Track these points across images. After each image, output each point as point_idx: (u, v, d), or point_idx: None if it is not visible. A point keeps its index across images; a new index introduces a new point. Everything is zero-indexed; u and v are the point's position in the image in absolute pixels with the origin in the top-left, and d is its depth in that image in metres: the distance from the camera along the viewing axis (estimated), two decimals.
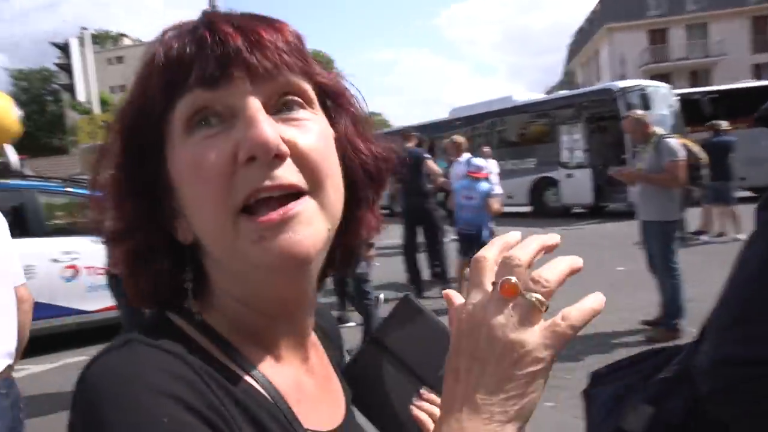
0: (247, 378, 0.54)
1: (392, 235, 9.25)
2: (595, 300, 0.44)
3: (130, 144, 0.56)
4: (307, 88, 0.56)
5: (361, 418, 0.69)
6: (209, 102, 0.52)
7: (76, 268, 5.86)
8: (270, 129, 0.50)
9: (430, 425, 0.65)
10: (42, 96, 64.00)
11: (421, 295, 7.24)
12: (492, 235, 6.72)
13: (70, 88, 11.67)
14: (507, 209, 11.20)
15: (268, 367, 0.57)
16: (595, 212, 14.63)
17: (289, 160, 0.51)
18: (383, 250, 11.31)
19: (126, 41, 64.05)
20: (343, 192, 0.58)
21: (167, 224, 0.56)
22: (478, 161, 6.78)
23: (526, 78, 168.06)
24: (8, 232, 2.24)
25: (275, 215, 0.50)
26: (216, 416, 0.46)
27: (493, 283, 0.44)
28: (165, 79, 0.52)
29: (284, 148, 0.51)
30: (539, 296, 0.42)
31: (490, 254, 0.47)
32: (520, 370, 0.41)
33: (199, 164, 0.51)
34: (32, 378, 5.14)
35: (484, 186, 6.51)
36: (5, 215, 2.22)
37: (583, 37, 49.63)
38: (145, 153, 0.55)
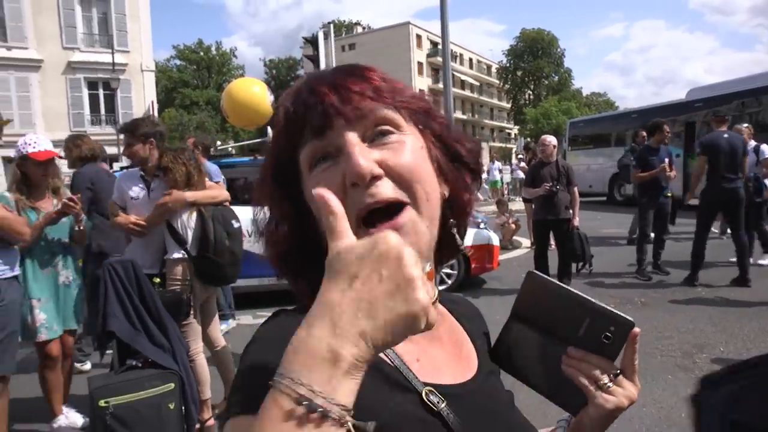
0: None
1: (614, 223, 8.43)
2: None
3: (276, 179, 0.71)
4: (395, 116, 0.67)
5: (494, 379, 0.81)
6: (322, 147, 0.65)
7: None
8: (363, 159, 0.61)
9: (583, 378, 0.72)
10: (287, 82, 73.64)
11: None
12: None
13: None
14: None
15: None
16: None
17: (385, 178, 0.63)
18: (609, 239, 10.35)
19: (358, 29, 69.49)
20: (437, 189, 0.68)
21: (319, 236, 0.66)
22: None
23: None
24: None
25: (386, 227, 0.59)
26: None
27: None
28: (288, 136, 0.68)
29: (377, 171, 0.62)
30: None
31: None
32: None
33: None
34: None
35: None
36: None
37: None
38: (285, 185, 0.70)
